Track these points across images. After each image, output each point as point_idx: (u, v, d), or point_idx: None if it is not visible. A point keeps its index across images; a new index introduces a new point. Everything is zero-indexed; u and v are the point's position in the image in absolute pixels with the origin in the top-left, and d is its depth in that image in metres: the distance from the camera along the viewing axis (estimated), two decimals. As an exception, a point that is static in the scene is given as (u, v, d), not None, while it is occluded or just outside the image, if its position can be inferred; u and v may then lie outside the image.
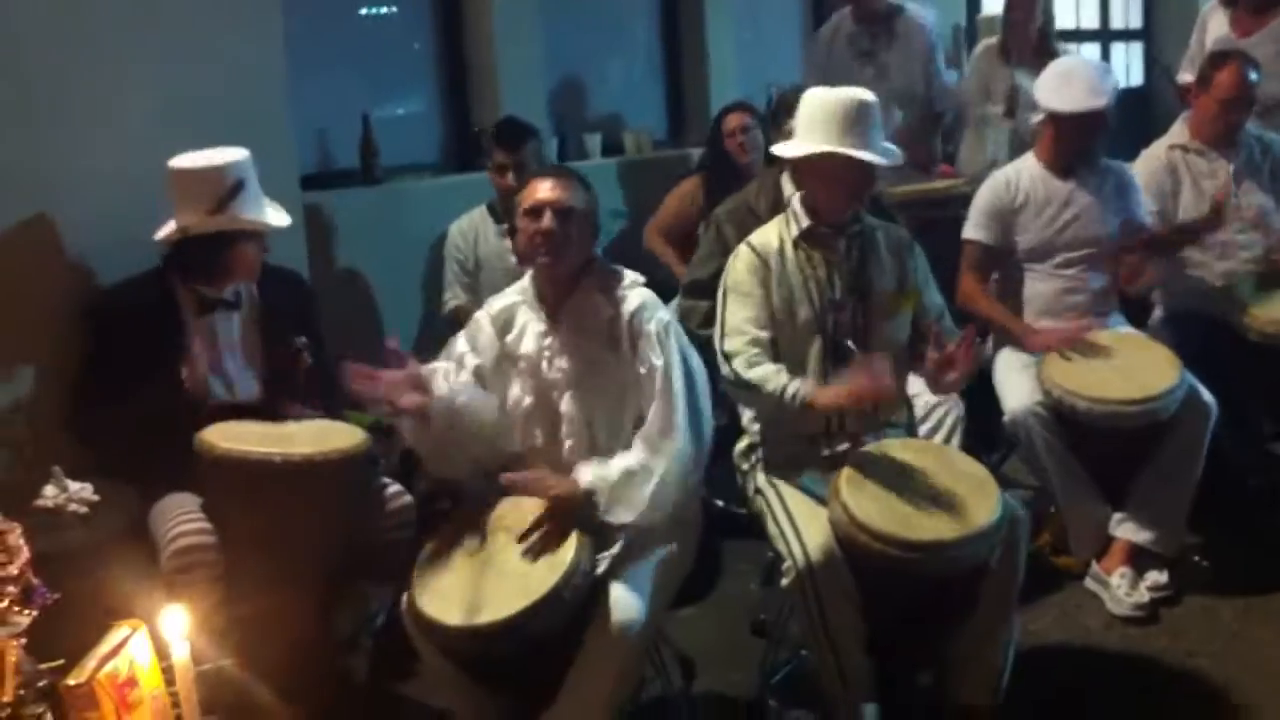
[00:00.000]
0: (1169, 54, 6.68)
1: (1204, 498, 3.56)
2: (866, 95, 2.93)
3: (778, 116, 3.80)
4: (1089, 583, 3.61)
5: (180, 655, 2.11)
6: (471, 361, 2.87)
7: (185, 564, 2.75)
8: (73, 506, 2.91)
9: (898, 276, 3.02)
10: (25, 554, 2.15)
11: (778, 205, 3.42)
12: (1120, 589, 3.49)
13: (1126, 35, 9.08)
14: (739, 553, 3.64)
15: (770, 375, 2.83)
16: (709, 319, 3.40)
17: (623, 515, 2.64)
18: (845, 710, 2.74)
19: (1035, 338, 3.72)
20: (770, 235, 3.03)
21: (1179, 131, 4.17)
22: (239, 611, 2.70)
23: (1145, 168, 4.10)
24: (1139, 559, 3.54)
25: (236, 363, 3.18)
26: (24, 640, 2.12)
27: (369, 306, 4.42)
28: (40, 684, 2.12)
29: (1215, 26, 4.92)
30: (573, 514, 2.63)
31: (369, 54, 4.83)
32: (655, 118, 5.96)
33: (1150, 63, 8.79)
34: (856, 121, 2.88)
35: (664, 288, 3.29)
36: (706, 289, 3.48)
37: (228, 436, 2.84)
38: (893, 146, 2.98)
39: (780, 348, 2.94)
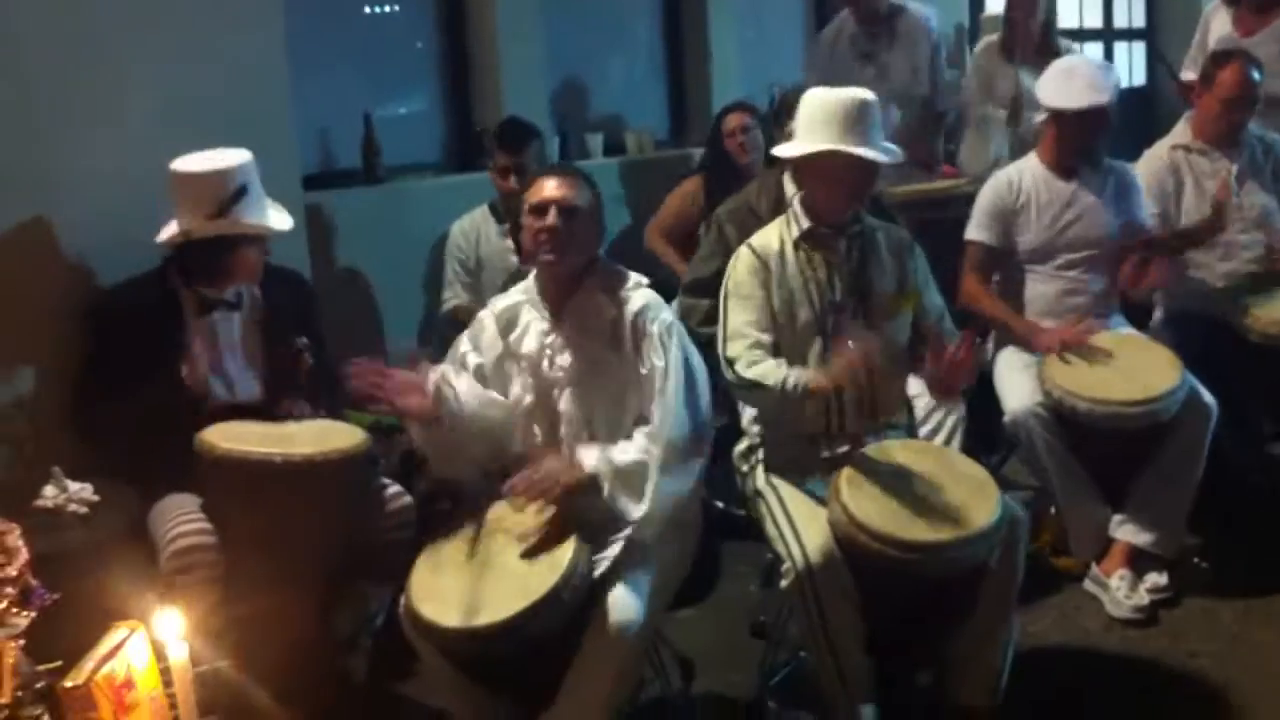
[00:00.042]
0: (1172, 53, 6.66)
1: (1204, 499, 3.55)
2: (866, 94, 2.93)
3: (780, 116, 3.79)
4: (1088, 585, 3.61)
5: (178, 656, 2.11)
6: (473, 361, 2.87)
7: (185, 564, 2.75)
8: (72, 507, 2.91)
9: (898, 278, 3.01)
10: (24, 555, 2.16)
11: (779, 205, 3.41)
12: (1119, 591, 3.49)
13: (1129, 35, 9.07)
14: (738, 554, 3.63)
15: (770, 371, 2.83)
16: (709, 317, 3.41)
17: (626, 504, 2.64)
18: (844, 711, 2.74)
19: (1041, 336, 3.71)
20: (770, 237, 3.03)
21: (1181, 131, 4.16)
22: (239, 611, 2.70)
23: (1148, 168, 4.10)
24: (1138, 561, 3.54)
25: (237, 363, 3.18)
26: (22, 641, 2.12)
27: (370, 306, 4.42)
28: (38, 685, 2.13)
29: (1218, 26, 4.91)
30: (575, 500, 2.62)
31: (371, 53, 4.83)
32: (657, 117, 5.96)
33: (1153, 62, 8.78)
34: (857, 120, 2.87)
35: (665, 288, 3.28)
36: (706, 288, 3.49)
37: (228, 437, 2.84)
38: (893, 146, 2.98)
39: (781, 349, 2.93)
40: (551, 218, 2.74)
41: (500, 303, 2.93)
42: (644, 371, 2.74)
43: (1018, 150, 4.49)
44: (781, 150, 3.01)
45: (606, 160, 5.34)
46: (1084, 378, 3.51)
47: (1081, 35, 8.14)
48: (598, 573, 2.59)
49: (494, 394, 2.84)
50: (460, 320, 3.43)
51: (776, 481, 2.94)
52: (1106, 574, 3.55)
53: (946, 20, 6.56)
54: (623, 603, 2.55)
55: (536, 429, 2.84)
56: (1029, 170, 3.91)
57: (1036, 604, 3.50)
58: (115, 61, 3.29)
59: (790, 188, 3.40)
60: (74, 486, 2.94)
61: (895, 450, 2.88)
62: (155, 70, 3.37)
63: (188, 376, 3.00)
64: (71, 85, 3.19)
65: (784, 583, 2.74)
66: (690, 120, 6.02)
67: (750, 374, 2.85)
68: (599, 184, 2.89)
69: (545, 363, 2.82)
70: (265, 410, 3.09)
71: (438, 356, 2.97)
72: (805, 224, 2.98)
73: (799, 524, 2.78)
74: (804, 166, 2.96)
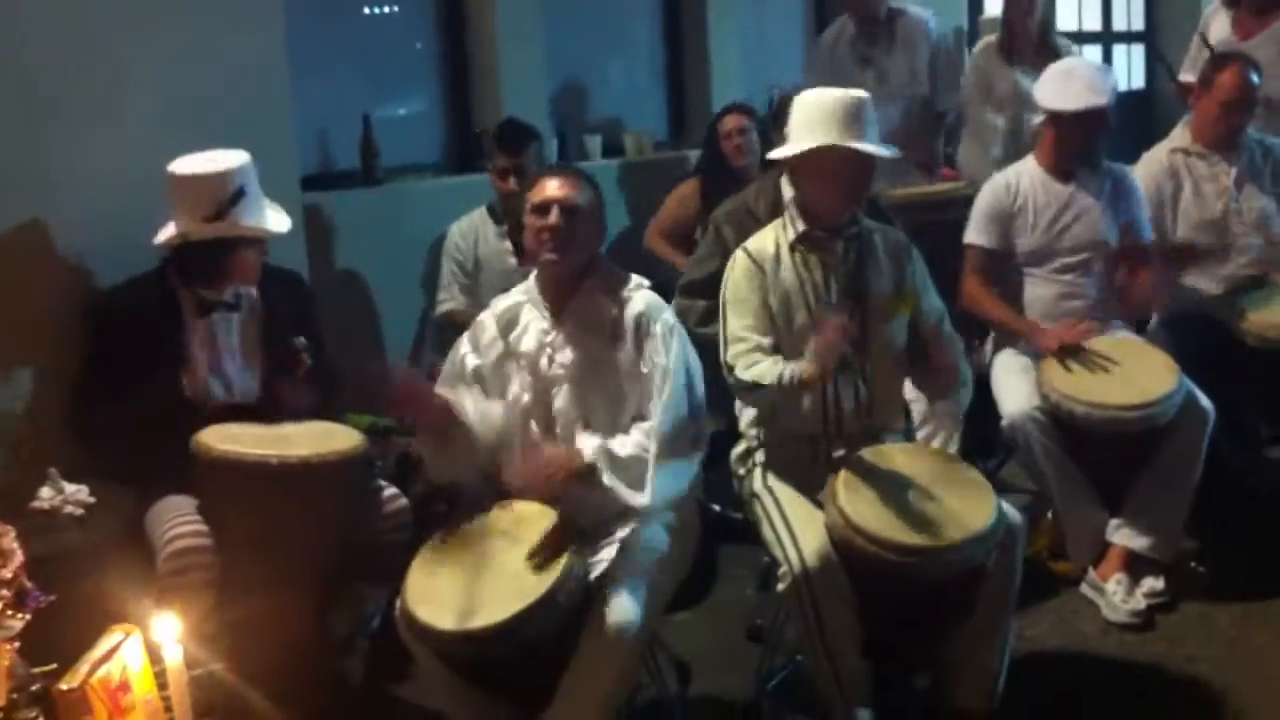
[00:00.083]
0: (1171, 56, 6.67)
1: (1201, 503, 3.55)
2: (860, 93, 2.92)
3: (779, 119, 3.78)
4: (1085, 589, 3.61)
5: (174, 659, 2.11)
6: (472, 363, 2.89)
7: (181, 566, 2.75)
8: (68, 509, 2.91)
9: (895, 280, 3.01)
10: (19, 557, 2.15)
11: (777, 207, 3.41)
12: (1116, 596, 3.49)
13: (1128, 37, 9.07)
14: (735, 558, 3.64)
15: (767, 369, 2.83)
16: (705, 318, 3.41)
17: (626, 493, 2.65)
18: (841, 715, 2.74)
19: (1043, 336, 3.70)
20: (766, 240, 3.02)
21: (1180, 135, 4.16)
22: (235, 614, 2.70)
23: (1146, 171, 4.09)
24: (1135, 565, 3.54)
25: (236, 364, 3.18)
26: (18, 644, 2.12)
27: (369, 307, 4.42)
28: (33, 688, 2.12)
29: (1217, 28, 4.91)
30: (574, 493, 2.63)
31: (370, 54, 4.83)
32: (656, 119, 5.96)
33: (1152, 65, 8.78)
34: (852, 118, 2.86)
35: (666, 288, 3.29)
36: (703, 289, 3.49)
37: (224, 438, 2.84)
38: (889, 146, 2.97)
39: (781, 351, 2.93)
40: (554, 217, 2.76)
41: (501, 303, 2.95)
42: (645, 370, 2.76)
43: (1015, 153, 4.48)
44: (777, 153, 3.00)
45: (605, 162, 5.33)
46: (1081, 382, 3.51)
47: (1080, 38, 8.13)
48: (593, 575, 2.60)
49: (495, 405, 2.85)
50: (461, 324, 3.42)
51: (774, 484, 2.94)
52: (1103, 578, 3.54)
53: (945, 23, 6.54)
54: (620, 605, 2.55)
55: (534, 426, 2.85)
56: (1027, 173, 3.90)
57: (1033, 608, 3.50)
58: (115, 61, 3.29)
59: (789, 189, 3.39)
60: (70, 488, 2.94)
61: (892, 454, 2.87)
62: (155, 70, 3.37)
63: (189, 386, 3.01)
64: (71, 85, 3.19)
65: (781, 586, 2.74)
66: (690, 122, 6.01)
67: (748, 375, 2.85)
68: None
69: (544, 360, 2.83)
70: (264, 411, 3.09)
71: (432, 357, 2.99)
72: (801, 227, 2.98)
73: (796, 527, 2.77)
74: (800, 166, 2.95)
